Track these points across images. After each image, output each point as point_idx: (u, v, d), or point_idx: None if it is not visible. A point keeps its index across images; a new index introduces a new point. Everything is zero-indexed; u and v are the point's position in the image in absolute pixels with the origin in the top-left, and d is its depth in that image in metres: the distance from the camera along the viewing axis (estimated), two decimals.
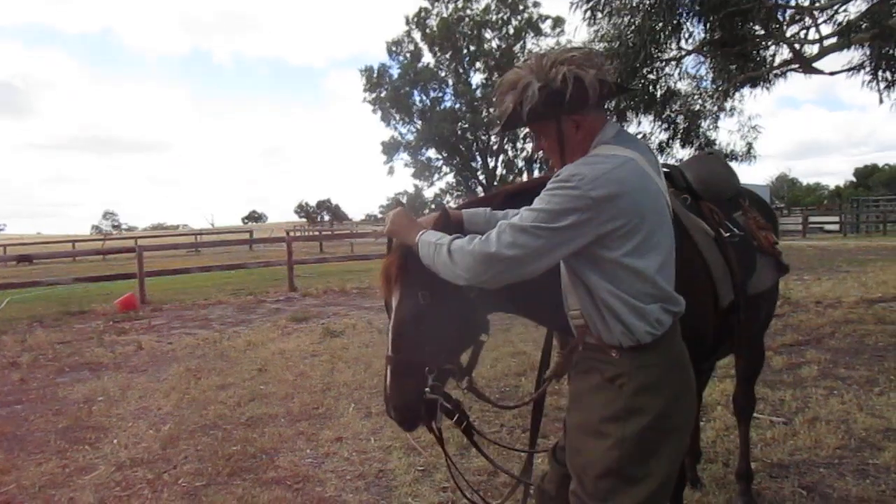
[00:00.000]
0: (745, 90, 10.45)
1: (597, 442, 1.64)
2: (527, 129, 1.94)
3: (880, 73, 8.83)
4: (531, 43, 37.31)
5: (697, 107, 10.89)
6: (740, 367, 3.28)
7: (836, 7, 8.74)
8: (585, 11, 9.43)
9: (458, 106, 38.95)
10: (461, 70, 38.91)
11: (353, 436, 4.31)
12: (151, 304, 11.48)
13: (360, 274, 15.25)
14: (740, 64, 9.81)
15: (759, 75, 9.86)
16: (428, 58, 38.97)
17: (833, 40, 8.98)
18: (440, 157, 40.48)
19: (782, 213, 30.97)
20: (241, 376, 5.99)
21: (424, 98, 39.13)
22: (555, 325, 2.06)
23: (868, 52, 8.76)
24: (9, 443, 4.47)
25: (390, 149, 39.97)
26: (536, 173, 39.62)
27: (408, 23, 38.16)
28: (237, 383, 5.75)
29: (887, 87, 8.92)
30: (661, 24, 8.90)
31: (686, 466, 3.07)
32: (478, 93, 38.59)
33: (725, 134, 12.86)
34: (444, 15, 37.31)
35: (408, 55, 38.86)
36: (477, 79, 39.44)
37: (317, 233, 35.73)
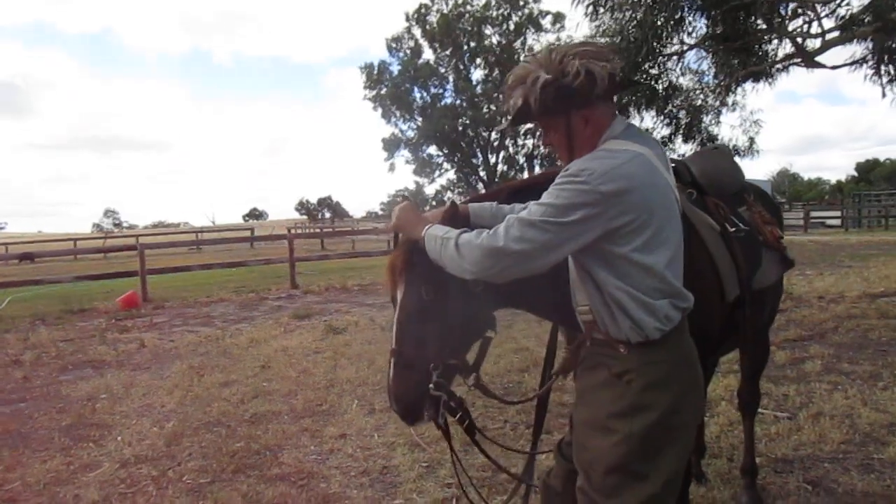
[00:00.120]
0: (748, 85, 10.42)
1: (604, 438, 1.64)
2: (528, 126, 1.94)
3: (883, 67, 8.78)
4: (532, 39, 37.22)
5: (699, 102, 10.86)
6: (745, 362, 3.27)
7: (838, 1, 8.71)
8: (588, 6, 9.38)
9: (458, 102, 38.86)
10: (461, 66, 38.79)
11: (357, 432, 4.31)
12: (153, 301, 11.49)
13: (362, 271, 15.25)
14: (742, 58, 9.76)
15: (762, 70, 9.82)
16: (428, 54, 38.87)
17: (835, 34, 8.95)
18: (441, 153, 40.42)
19: (784, 209, 30.88)
20: (244, 373, 6.00)
21: (425, 95, 39.03)
22: (562, 321, 2.06)
23: (871, 46, 8.70)
24: (13, 440, 4.48)
25: (391, 146, 39.90)
26: (537, 169, 39.60)
27: (408, 19, 38.06)
28: (240, 380, 5.75)
29: (890, 82, 8.87)
30: (663, 19, 8.87)
31: (691, 462, 3.07)
32: (478, 89, 38.49)
33: (727, 129, 12.83)
34: (445, 11, 37.20)
35: (408, 52, 38.75)
36: (477, 75, 39.36)
37: (318, 230, 35.75)
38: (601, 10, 9.39)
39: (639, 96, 9.96)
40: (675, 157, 2.65)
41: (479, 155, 40.43)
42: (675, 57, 10.06)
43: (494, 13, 37.38)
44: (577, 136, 1.68)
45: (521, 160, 40.07)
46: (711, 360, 2.98)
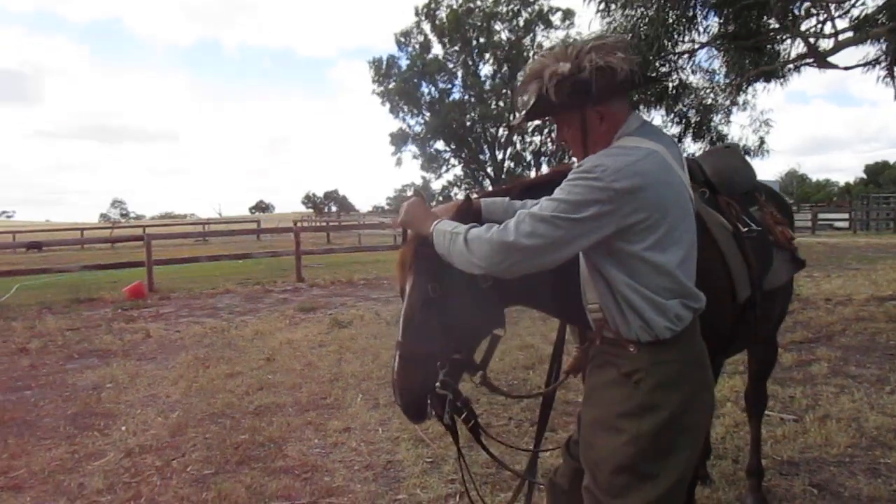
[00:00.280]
0: (759, 84, 10.36)
1: (612, 437, 1.62)
2: (537, 122, 1.91)
3: None
4: (541, 35, 37.13)
5: (709, 101, 10.80)
6: (753, 363, 3.25)
7: (852, 1, 8.63)
8: (600, 3, 9.35)
9: (466, 98, 38.79)
10: (470, 62, 38.69)
11: (361, 426, 4.31)
12: (159, 292, 11.52)
13: (368, 265, 15.25)
14: (754, 58, 9.70)
15: (773, 69, 9.75)
16: (437, 49, 38.82)
17: (849, 34, 8.87)
18: (448, 149, 40.35)
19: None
20: (248, 365, 6.01)
21: (433, 90, 38.98)
22: (572, 319, 2.04)
23: (884, 47, 8.64)
24: (19, 428, 4.50)
25: (398, 140, 39.86)
26: (545, 167, 39.51)
27: (417, 14, 37.99)
28: (245, 372, 5.76)
29: None
30: (674, 16, 8.82)
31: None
32: (487, 85, 38.41)
33: (737, 128, 12.78)
34: (454, 6, 37.11)
35: (417, 46, 38.67)
36: (486, 71, 39.29)
37: (324, 224, 35.74)
38: (613, 6, 9.35)
39: (648, 94, 9.92)
40: (685, 155, 2.63)
41: (487, 151, 40.36)
42: (685, 55, 10.00)
43: (504, 9, 37.25)
44: (591, 132, 1.66)
45: (529, 157, 40.01)
46: (718, 361, 2.96)
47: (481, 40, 37.91)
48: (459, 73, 38.93)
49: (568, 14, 36.39)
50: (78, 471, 3.73)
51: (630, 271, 1.57)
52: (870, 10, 8.54)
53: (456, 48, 38.22)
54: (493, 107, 37.52)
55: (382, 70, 38.71)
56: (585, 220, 1.50)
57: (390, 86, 38.62)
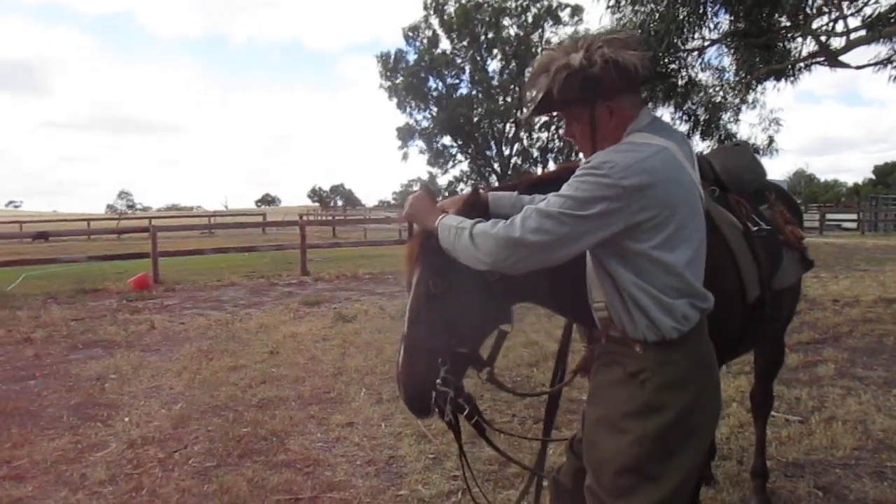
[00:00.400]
0: (769, 83, 10.27)
1: (616, 437, 1.60)
2: (544, 118, 1.89)
3: None
4: (550, 31, 36.97)
5: (719, 99, 10.72)
6: (760, 364, 3.22)
7: None
8: None
9: (474, 93, 38.69)
10: (478, 57, 38.56)
11: (364, 421, 4.30)
12: (164, 283, 11.55)
13: (373, 259, 15.25)
14: (764, 56, 9.62)
15: (784, 68, 9.67)
16: (445, 44, 38.70)
17: (861, 33, 8.78)
18: (455, 144, 40.27)
19: None
20: (252, 358, 6.00)
21: (440, 85, 38.90)
22: (578, 318, 2.01)
23: None
24: (22, 418, 4.50)
25: (405, 135, 39.80)
26: (551, 163, 39.38)
27: (425, 8, 37.85)
28: (248, 365, 5.76)
29: None
30: (685, 13, 8.75)
31: None
32: (494, 80, 38.30)
33: (746, 127, 12.68)
34: (463, 1, 36.98)
35: (425, 41, 38.56)
36: (494, 66, 39.14)
37: (330, 217, 35.80)
38: (623, 2, 9.28)
39: (657, 91, 9.86)
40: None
41: (494, 147, 40.26)
42: (695, 52, 9.93)
43: (512, 4, 37.11)
44: (601, 128, 1.63)
45: (536, 153, 39.92)
46: (726, 361, 2.93)
47: (489, 35, 37.77)
48: (467, 69, 38.82)
49: (577, 10, 36.28)
50: (80, 461, 3.73)
51: (637, 270, 1.54)
52: (883, 9, 8.45)
53: (464, 43, 38.11)
54: (500, 103, 37.41)
55: (390, 64, 38.63)
56: (592, 218, 1.47)
57: (398, 80, 38.55)
